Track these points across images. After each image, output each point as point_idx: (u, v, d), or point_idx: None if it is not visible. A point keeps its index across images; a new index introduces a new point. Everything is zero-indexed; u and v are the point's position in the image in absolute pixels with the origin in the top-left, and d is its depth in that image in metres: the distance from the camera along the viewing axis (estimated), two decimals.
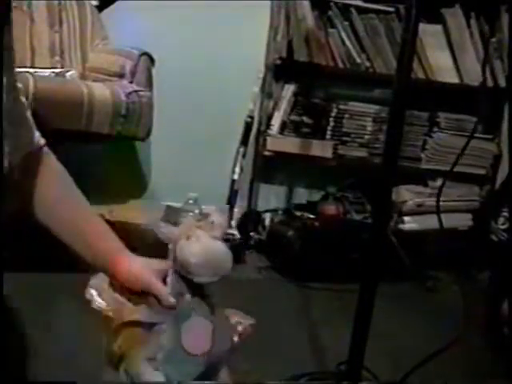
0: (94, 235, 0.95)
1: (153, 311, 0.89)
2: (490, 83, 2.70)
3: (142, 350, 0.87)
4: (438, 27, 2.76)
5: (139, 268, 0.90)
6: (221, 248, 0.88)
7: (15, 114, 0.92)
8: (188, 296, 0.90)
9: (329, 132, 2.74)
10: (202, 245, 0.87)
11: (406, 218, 2.76)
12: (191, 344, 0.86)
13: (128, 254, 0.93)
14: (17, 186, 0.96)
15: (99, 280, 0.93)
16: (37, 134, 1.00)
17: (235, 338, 0.93)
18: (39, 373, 1.21)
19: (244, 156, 2.71)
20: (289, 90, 2.72)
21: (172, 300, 0.87)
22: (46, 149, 1.01)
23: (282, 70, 2.70)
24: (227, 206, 0.96)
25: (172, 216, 2.43)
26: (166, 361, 0.85)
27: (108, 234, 0.96)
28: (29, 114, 0.99)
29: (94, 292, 0.90)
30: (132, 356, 0.87)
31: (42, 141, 1.00)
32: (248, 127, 2.71)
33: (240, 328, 0.94)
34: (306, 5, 2.64)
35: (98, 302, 0.90)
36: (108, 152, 2.58)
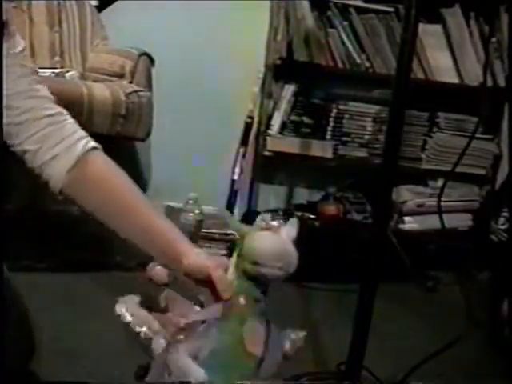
0: (158, 227, 0.96)
1: (203, 310, 0.87)
2: (489, 83, 2.70)
3: (185, 345, 0.83)
4: (438, 27, 2.76)
5: (204, 258, 0.90)
6: (291, 245, 0.92)
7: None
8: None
9: (329, 132, 2.74)
10: (277, 236, 0.89)
11: (406, 218, 2.76)
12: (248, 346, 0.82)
13: (193, 247, 0.94)
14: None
15: (128, 299, 0.91)
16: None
17: (287, 349, 0.90)
18: (45, 372, 1.21)
19: (244, 156, 2.71)
20: (289, 90, 2.72)
21: (230, 290, 0.85)
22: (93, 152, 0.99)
23: (282, 70, 2.70)
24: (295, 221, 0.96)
25: (172, 216, 2.43)
26: (209, 361, 0.81)
27: (170, 225, 0.99)
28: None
29: (123, 309, 0.88)
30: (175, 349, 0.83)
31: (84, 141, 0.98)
32: (248, 127, 2.71)
33: (293, 337, 0.92)
34: (306, 5, 2.64)
35: (128, 318, 0.88)
36: (108, 152, 2.58)
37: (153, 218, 0.96)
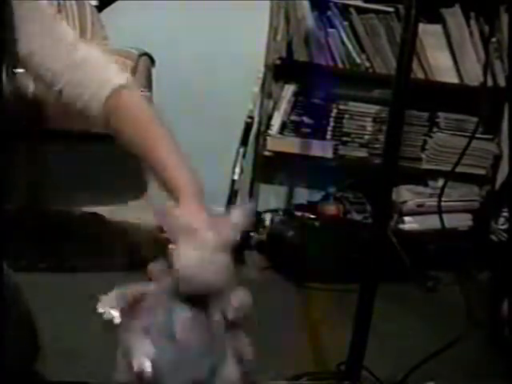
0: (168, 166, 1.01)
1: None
2: (489, 83, 2.70)
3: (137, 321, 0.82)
4: (438, 27, 2.76)
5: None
6: (217, 262, 0.82)
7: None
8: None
9: (329, 132, 2.74)
10: (196, 257, 0.80)
11: (406, 218, 2.76)
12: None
13: (194, 200, 0.95)
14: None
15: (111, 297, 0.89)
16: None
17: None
18: (45, 372, 1.21)
19: (244, 156, 2.71)
20: (289, 90, 2.72)
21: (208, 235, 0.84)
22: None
23: (281, 70, 2.70)
24: (252, 206, 0.92)
25: None
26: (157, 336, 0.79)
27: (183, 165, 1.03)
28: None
29: (107, 307, 0.86)
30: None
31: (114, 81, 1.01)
32: (248, 127, 2.71)
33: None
34: (306, 5, 2.64)
35: (112, 313, 0.86)
36: (108, 152, 2.58)
37: (166, 156, 1.02)
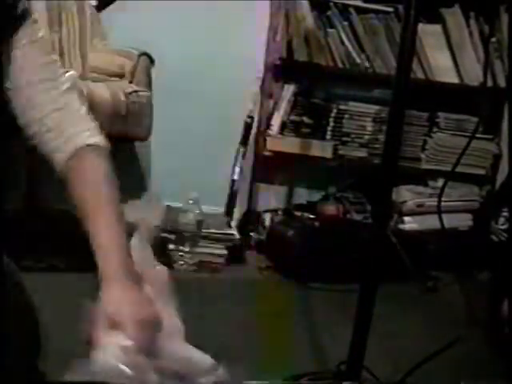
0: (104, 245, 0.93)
1: None
2: (489, 83, 2.70)
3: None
4: (438, 27, 2.76)
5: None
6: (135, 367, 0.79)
7: None
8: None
9: (329, 132, 2.74)
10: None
11: (406, 218, 2.76)
12: None
13: (117, 286, 0.89)
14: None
15: None
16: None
17: None
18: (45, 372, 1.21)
19: (244, 156, 2.71)
20: (289, 90, 2.72)
21: None
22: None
23: (281, 70, 2.70)
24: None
25: (172, 216, 2.43)
26: None
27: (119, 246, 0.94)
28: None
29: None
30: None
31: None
32: (248, 127, 2.71)
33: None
34: (306, 5, 2.64)
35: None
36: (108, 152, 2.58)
37: (105, 233, 0.94)
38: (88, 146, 0.99)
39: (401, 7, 2.59)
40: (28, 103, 0.96)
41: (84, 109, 1.03)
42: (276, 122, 2.71)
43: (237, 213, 2.74)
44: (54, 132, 0.98)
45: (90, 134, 1.01)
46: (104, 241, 0.92)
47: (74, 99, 1.02)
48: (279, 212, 2.82)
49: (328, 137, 2.74)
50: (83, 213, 0.95)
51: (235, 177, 2.70)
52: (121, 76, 2.35)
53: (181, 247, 2.29)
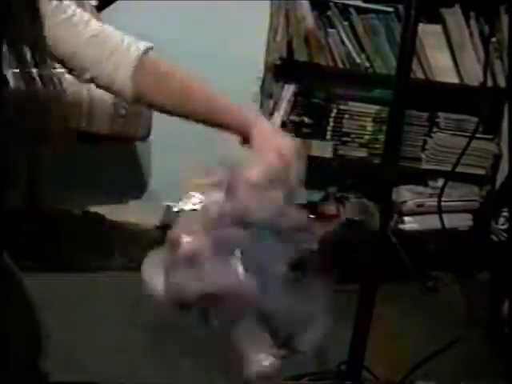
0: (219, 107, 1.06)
1: None
2: (489, 83, 2.70)
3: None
4: (438, 27, 2.76)
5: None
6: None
7: None
8: None
9: (329, 132, 2.74)
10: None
11: (406, 218, 2.76)
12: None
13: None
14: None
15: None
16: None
17: None
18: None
19: None
20: (289, 90, 2.71)
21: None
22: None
23: (282, 70, 2.70)
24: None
25: (171, 216, 2.43)
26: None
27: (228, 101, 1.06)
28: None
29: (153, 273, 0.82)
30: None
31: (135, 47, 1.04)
32: None
33: None
34: (306, 5, 2.64)
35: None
36: (108, 152, 2.58)
37: (212, 99, 1.07)
38: (144, 52, 1.04)
39: (401, 7, 2.59)
40: (68, 41, 0.96)
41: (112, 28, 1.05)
42: (276, 122, 2.70)
43: None
44: (103, 58, 0.99)
45: (136, 42, 1.06)
46: (233, 106, 1.06)
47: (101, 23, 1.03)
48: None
49: (328, 137, 2.74)
50: (191, 105, 1.08)
51: None
52: None
53: None
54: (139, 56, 1.03)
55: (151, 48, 1.05)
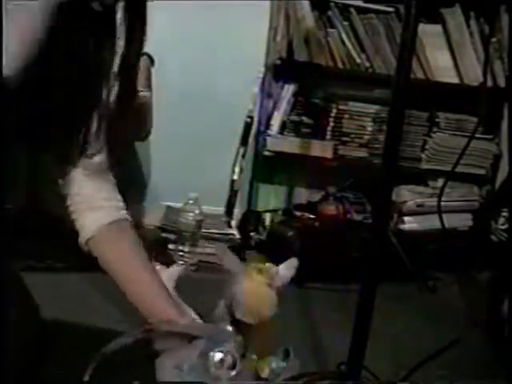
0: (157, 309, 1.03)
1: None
2: (489, 83, 2.70)
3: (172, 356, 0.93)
4: (438, 27, 2.76)
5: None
6: (266, 295, 0.96)
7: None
8: (226, 326, 0.95)
9: (329, 132, 2.74)
10: (251, 288, 0.95)
11: (406, 218, 2.76)
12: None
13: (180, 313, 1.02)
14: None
15: None
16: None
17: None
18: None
19: (244, 156, 2.71)
20: (289, 90, 2.72)
21: None
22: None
23: (281, 70, 2.70)
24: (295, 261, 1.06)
25: (172, 216, 2.43)
26: (190, 371, 0.91)
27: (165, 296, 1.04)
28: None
29: None
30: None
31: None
32: (248, 127, 2.71)
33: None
34: (306, 5, 2.64)
35: None
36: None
37: (154, 300, 1.03)
38: (114, 221, 1.05)
39: (401, 7, 2.59)
40: None
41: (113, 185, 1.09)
42: (276, 122, 2.71)
43: (237, 213, 2.74)
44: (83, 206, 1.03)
45: (114, 211, 1.07)
46: (161, 309, 1.03)
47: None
48: (279, 212, 2.82)
49: (328, 137, 2.74)
50: (121, 283, 1.03)
51: (235, 177, 2.70)
52: None
53: (181, 247, 2.29)
54: (110, 222, 1.05)
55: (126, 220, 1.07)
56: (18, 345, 0.97)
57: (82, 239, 1.05)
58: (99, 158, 1.05)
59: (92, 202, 1.04)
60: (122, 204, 1.08)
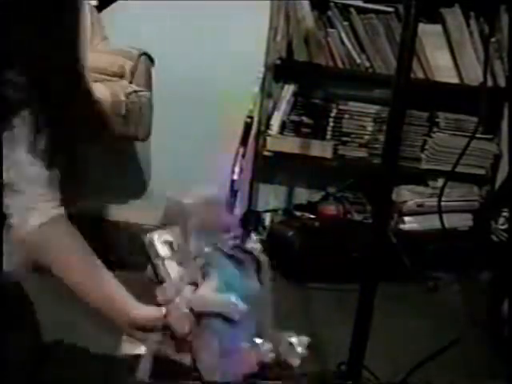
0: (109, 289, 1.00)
1: None
2: (489, 83, 2.70)
3: None
4: (438, 27, 2.76)
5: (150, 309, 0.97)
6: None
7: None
8: None
9: (329, 132, 2.74)
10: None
11: (406, 218, 2.76)
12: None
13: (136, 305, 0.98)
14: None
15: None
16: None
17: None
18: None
19: (244, 156, 2.71)
20: (289, 90, 2.72)
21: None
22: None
23: (281, 70, 2.70)
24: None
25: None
26: None
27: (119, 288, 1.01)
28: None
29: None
30: None
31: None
32: (248, 127, 2.70)
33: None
34: (306, 5, 2.64)
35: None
36: (108, 152, 2.58)
37: (103, 288, 1.00)
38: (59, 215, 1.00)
39: (401, 7, 2.59)
40: None
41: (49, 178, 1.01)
42: (276, 122, 2.71)
43: (237, 213, 2.73)
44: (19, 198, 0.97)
45: (55, 203, 1.00)
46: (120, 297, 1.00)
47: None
48: (279, 212, 2.82)
49: (328, 137, 2.74)
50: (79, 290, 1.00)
51: (235, 177, 2.70)
52: (121, 76, 2.35)
53: None
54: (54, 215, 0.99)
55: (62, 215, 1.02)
56: (15, 344, 0.97)
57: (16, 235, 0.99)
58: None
59: (18, 209, 0.97)
60: (49, 203, 1.00)
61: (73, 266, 1.00)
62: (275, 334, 0.96)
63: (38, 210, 0.97)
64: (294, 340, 0.98)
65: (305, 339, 0.98)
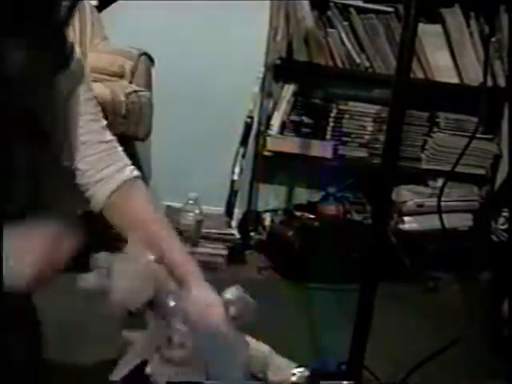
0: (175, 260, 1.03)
1: None
2: (489, 83, 2.70)
3: None
4: (438, 27, 2.76)
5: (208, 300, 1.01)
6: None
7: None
8: None
9: (329, 132, 2.74)
10: None
11: (406, 218, 2.76)
12: None
13: (201, 282, 1.03)
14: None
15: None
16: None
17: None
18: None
19: (244, 156, 2.71)
20: (289, 90, 2.72)
21: None
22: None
23: (281, 70, 2.70)
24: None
25: (172, 216, 2.43)
26: None
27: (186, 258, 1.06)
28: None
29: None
30: None
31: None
32: (248, 127, 2.71)
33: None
34: (306, 5, 2.64)
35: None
36: None
37: (172, 252, 1.04)
38: (133, 178, 1.08)
39: (401, 7, 2.59)
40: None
41: (118, 144, 1.12)
42: (276, 122, 2.71)
43: (237, 213, 2.74)
44: (95, 168, 1.04)
45: (130, 169, 1.09)
46: (181, 259, 1.05)
47: (109, 135, 1.11)
48: (279, 212, 2.82)
49: (328, 137, 2.74)
50: (150, 246, 1.01)
51: (235, 177, 2.70)
52: (121, 76, 2.35)
53: None
54: (125, 181, 1.07)
55: (138, 178, 1.10)
56: (16, 344, 0.97)
57: (93, 209, 1.06)
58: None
59: (94, 176, 1.04)
60: (123, 163, 1.09)
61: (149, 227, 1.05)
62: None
63: (105, 179, 1.04)
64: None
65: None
